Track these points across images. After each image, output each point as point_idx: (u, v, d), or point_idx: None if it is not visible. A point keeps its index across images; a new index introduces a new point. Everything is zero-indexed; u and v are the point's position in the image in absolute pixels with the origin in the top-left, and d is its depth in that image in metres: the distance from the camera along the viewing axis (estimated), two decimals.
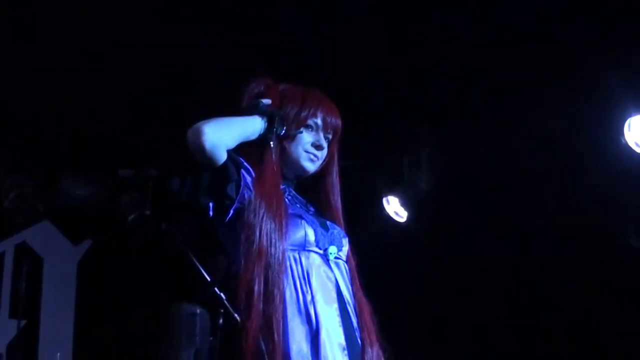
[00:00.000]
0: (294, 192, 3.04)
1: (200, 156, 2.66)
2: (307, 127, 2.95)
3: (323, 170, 3.09)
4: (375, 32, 5.85)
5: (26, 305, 7.82)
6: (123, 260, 8.29)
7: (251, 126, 2.81)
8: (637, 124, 5.65)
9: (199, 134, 2.63)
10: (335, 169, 3.13)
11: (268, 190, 2.79)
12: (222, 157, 2.69)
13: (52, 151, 7.96)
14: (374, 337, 2.89)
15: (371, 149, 7.36)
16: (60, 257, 8.71)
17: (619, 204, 6.29)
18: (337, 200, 3.11)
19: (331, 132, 3.02)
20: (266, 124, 2.82)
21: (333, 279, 2.83)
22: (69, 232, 8.81)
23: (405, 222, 7.43)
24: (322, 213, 3.06)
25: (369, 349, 2.83)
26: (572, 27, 5.39)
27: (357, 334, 2.84)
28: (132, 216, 8.34)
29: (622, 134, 5.68)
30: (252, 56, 5.97)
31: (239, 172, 2.77)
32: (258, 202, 2.74)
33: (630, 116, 5.64)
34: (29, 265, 7.98)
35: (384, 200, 7.51)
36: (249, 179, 2.80)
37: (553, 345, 6.79)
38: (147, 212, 8.30)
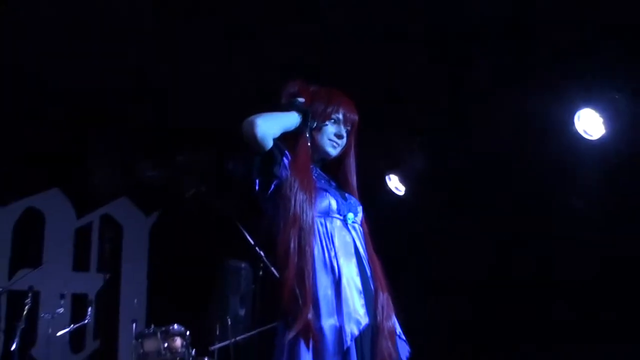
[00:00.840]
0: (319, 171, 3.15)
1: (253, 143, 2.81)
2: (331, 120, 3.09)
3: (343, 155, 3.19)
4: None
5: (110, 263, 8.47)
6: (184, 227, 8.67)
7: (291, 120, 2.95)
8: (585, 116, 5.89)
9: (252, 126, 2.78)
10: (352, 155, 3.23)
11: (301, 170, 2.92)
12: (270, 144, 2.84)
13: (128, 140, 8.23)
14: (384, 285, 2.98)
15: (377, 138, 7.05)
16: (135, 224, 9.17)
17: (570, 177, 6.27)
18: (353, 178, 3.22)
19: (350, 125, 3.14)
20: (301, 118, 2.98)
21: (351, 239, 2.95)
22: (142, 205, 9.28)
23: (404, 195, 7.65)
24: (341, 188, 3.15)
25: (381, 294, 2.92)
26: (531, 35, 5.71)
27: (371, 282, 2.93)
28: (191, 192, 9.11)
29: (573, 124, 5.93)
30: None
31: (282, 156, 2.91)
32: (293, 179, 2.87)
33: (579, 109, 5.89)
34: (111, 231, 8.76)
35: (387, 177, 7.71)
36: (286, 161, 2.91)
37: (536, 292, 6.58)
38: (203, 189, 9.07)
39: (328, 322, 2.76)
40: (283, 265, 2.81)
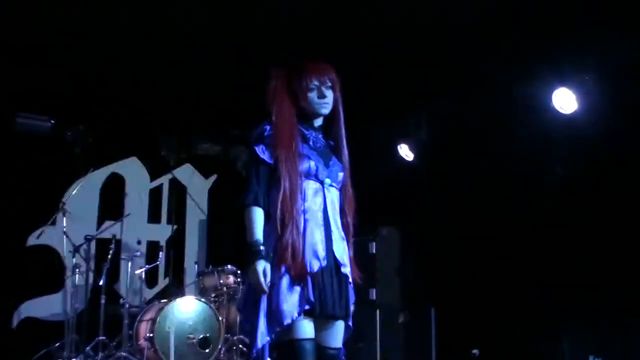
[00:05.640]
0: (319, 136, 3.04)
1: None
2: (311, 89, 2.95)
3: (333, 115, 3.07)
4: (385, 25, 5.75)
5: (177, 216, 8.60)
6: (235, 187, 8.62)
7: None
8: (560, 94, 5.89)
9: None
10: (340, 111, 3.08)
11: (285, 144, 2.85)
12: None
13: (190, 117, 8.25)
14: (347, 240, 3.00)
15: (389, 112, 7.42)
16: (196, 186, 9.08)
17: (549, 147, 6.21)
18: (342, 132, 3.09)
19: (329, 82, 2.98)
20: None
21: (321, 200, 2.91)
22: (202, 170, 9.22)
23: (412, 161, 7.54)
24: (333, 151, 3.05)
25: (340, 246, 2.93)
26: (514, 24, 5.53)
27: (332, 235, 2.89)
28: (241, 161, 9.12)
29: (551, 100, 5.93)
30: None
31: (265, 161, 2.85)
32: (279, 154, 2.82)
33: (556, 88, 5.90)
34: (177, 191, 8.80)
35: (398, 146, 7.60)
36: (268, 154, 2.85)
37: (527, 245, 6.32)
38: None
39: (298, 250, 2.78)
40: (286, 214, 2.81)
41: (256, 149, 2.90)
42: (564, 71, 5.87)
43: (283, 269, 2.77)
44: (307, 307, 2.76)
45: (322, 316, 2.83)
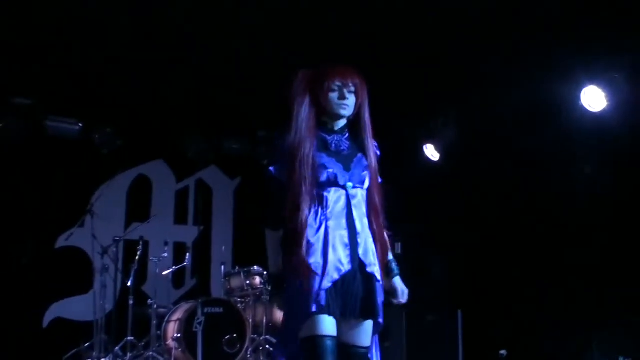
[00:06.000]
0: (343, 138, 3.02)
1: None
2: (332, 90, 2.93)
3: (358, 116, 3.03)
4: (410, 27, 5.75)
5: (203, 217, 8.61)
6: (261, 189, 8.57)
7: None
8: (590, 92, 5.83)
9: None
10: (366, 113, 3.05)
11: (299, 160, 2.83)
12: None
13: (216, 121, 8.28)
14: (376, 239, 2.98)
15: (415, 112, 7.38)
16: (222, 187, 9.18)
17: (578, 144, 6.15)
18: (367, 137, 3.04)
19: (352, 85, 2.97)
20: None
21: (344, 204, 2.90)
22: (228, 172, 9.25)
23: (438, 161, 7.53)
24: (360, 150, 3.02)
25: (367, 247, 2.91)
26: (545, 23, 5.51)
27: (358, 237, 2.89)
28: (266, 161, 9.13)
29: (580, 98, 5.87)
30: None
31: (279, 184, 2.85)
32: (293, 168, 2.82)
33: (585, 86, 5.84)
34: (204, 193, 8.86)
35: (424, 147, 7.59)
36: (281, 172, 2.86)
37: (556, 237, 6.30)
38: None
39: (315, 264, 2.79)
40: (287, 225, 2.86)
41: (271, 169, 2.94)
42: (593, 69, 5.78)
43: (298, 283, 2.80)
44: (323, 303, 2.76)
45: (347, 318, 2.84)
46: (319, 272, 2.78)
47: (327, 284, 2.77)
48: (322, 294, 2.76)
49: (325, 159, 2.94)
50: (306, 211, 2.84)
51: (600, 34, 5.38)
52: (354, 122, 3.07)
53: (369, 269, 2.91)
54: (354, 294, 2.85)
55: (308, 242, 2.81)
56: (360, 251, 2.90)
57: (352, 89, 2.98)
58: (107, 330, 6.83)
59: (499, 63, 6.22)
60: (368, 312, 2.90)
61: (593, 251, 5.97)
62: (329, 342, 2.76)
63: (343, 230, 2.89)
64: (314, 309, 2.73)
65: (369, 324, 2.93)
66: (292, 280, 2.84)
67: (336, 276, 2.80)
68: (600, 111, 5.82)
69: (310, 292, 2.75)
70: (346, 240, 2.88)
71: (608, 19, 5.29)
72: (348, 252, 2.86)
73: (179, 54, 6.46)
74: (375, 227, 3.02)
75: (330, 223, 2.87)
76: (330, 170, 2.92)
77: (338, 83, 2.96)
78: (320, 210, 2.89)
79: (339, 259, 2.83)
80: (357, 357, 2.90)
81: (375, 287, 2.94)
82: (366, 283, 2.90)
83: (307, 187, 2.85)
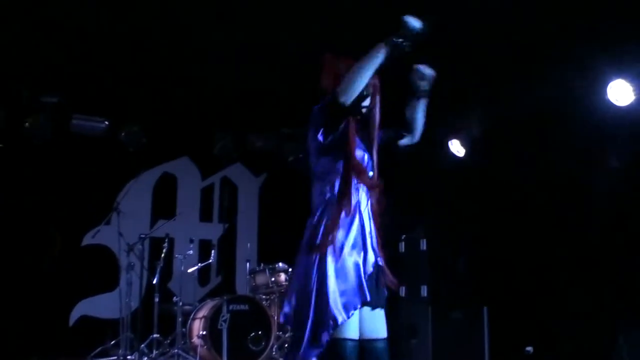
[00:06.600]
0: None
1: (340, 105, 2.74)
2: None
3: (369, 117, 3.02)
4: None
5: (228, 215, 8.57)
6: (286, 186, 8.58)
7: (375, 62, 2.75)
8: (616, 86, 5.76)
9: (340, 96, 2.72)
10: (377, 113, 3.02)
11: (351, 132, 2.86)
12: (349, 103, 2.75)
13: (242, 117, 8.26)
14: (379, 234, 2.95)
15: (440, 107, 7.38)
16: (247, 184, 9.24)
17: (604, 139, 6.06)
18: (375, 140, 3.02)
19: (370, 87, 2.96)
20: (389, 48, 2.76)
21: (357, 197, 2.89)
22: (253, 168, 9.30)
23: (463, 156, 7.48)
24: (368, 149, 3.02)
25: (377, 241, 2.92)
26: (569, 17, 5.42)
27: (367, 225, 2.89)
28: (291, 158, 9.10)
29: (606, 93, 5.80)
30: None
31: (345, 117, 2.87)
32: (348, 134, 2.87)
33: (611, 80, 5.77)
34: (229, 190, 8.85)
35: (449, 142, 7.53)
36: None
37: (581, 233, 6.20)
38: (301, 155, 8.93)
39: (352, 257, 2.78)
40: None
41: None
42: (620, 62, 5.68)
43: (334, 260, 2.75)
44: (354, 308, 2.73)
45: (365, 306, 2.81)
46: (356, 267, 2.78)
47: (369, 269, 2.79)
48: (365, 285, 2.74)
49: (359, 144, 2.96)
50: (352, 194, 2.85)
51: (626, 27, 5.28)
52: (364, 118, 3.06)
53: (379, 261, 2.90)
54: (372, 284, 2.83)
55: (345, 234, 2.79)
56: (372, 242, 2.90)
57: (370, 90, 2.98)
58: (132, 327, 6.85)
59: (524, 59, 6.16)
60: (382, 301, 2.89)
61: (620, 247, 5.86)
62: (351, 345, 2.74)
63: (357, 217, 2.88)
64: (347, 315, 2.70)
65: (382, 314, 2.90)
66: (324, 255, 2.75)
67: (370, 269, 2.81)
68: (627, 105, 5.72)
69: (355, 281, 2.73)
70: (362, 229, 2.88)
71: (633, 12, 5.16)
72: (362, 241, 2.86)
73: (204, 51, 6.45)
74: (377, 221, 3.01)
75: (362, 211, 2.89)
76: (362, 154, 2.95)
77: None
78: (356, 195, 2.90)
79: (369, 251, 2.85)
80: (379, 351, 2.86)
81: (384, 275, 2.94)
82: (378, 273, 2.89)
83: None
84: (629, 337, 5.62)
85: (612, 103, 5.82)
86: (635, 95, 5.66)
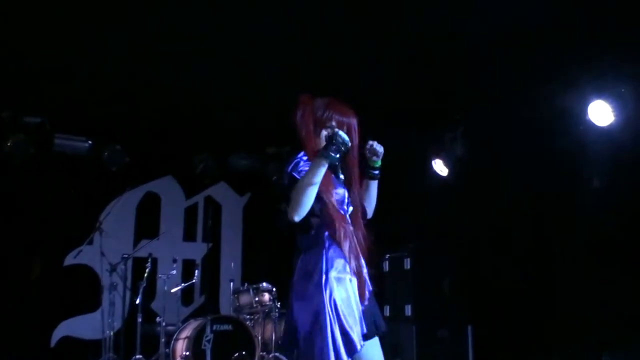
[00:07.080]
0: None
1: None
2: (326, 127, 2.94)
3: (347, 157, 2.98)
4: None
5: (212, 234, 8.48)
6: (270, 205, 8.52)
7: (320, 173, 2.76)
8: (596, 107, 5.79)
9: (292, 215, 2.74)
10: (355, 150, 3.03)
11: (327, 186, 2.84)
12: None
13: (225, 137, 8.24)
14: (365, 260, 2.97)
15: (424, 129, 7.35)
16: (231, 204, 9.23)
17: (584, 159, 6.04)
18: (355, 172, 3.04)
19: (345, 127, 2.96)
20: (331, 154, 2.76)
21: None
22: (237, 188, 9.29)
23: (446, 176, 7.41)
24: (348, 180, 3.02)
25: (364, 267, 2.94)
26: (551, 40, 5.47)
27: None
28: (275, 177, 9.14)
29: (587, 113, 5.84)
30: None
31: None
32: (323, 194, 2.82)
33: (591, 101, 5.80)
34: (213, 209, 8.77)
35: (432, 162, 7.47)
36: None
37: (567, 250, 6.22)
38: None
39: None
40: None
41: (294, 174, 2.87)
42: (600, 83, 5.76)
43: (344, 291, 2.78)
44: (365, 332, 2.79)
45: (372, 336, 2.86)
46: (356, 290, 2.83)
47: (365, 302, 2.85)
48: (362, 318, 2.79)
49: (335, 180, 2.97)
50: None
51: (607, 49, 5.37)
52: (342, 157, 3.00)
53: (370, 287, 2.94)
54: (374, 311, 2.91)
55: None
56: (364, 270, 2.94)
57: (345, 130, 2.95)
58: (115, 348, 6.80)
59: (506, 79, 6.21)
60: (383, 327, 2.94)
61: (603, 267, 5.88)
62: None
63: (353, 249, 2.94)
64: (363, 341, 2.75)
65: (377, 340, 2.93)
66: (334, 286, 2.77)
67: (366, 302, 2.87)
68: (607, 126, 5.77)
69: (351, 307, 2.76)
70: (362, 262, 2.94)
71: (614, 33, 5.27)
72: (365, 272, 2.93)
73: (187, 71, 6.44)
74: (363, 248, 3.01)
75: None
76: (342, 191, 2.98)
77: (333, 122, 2.96)
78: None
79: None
80: None
81: (374, 300, 2.96)
82: (373, 300, 2.94)
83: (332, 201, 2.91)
84: (613, 357, 5.65)
85: (592, 123, 5.84)
86: (615, 115, 5.69)
